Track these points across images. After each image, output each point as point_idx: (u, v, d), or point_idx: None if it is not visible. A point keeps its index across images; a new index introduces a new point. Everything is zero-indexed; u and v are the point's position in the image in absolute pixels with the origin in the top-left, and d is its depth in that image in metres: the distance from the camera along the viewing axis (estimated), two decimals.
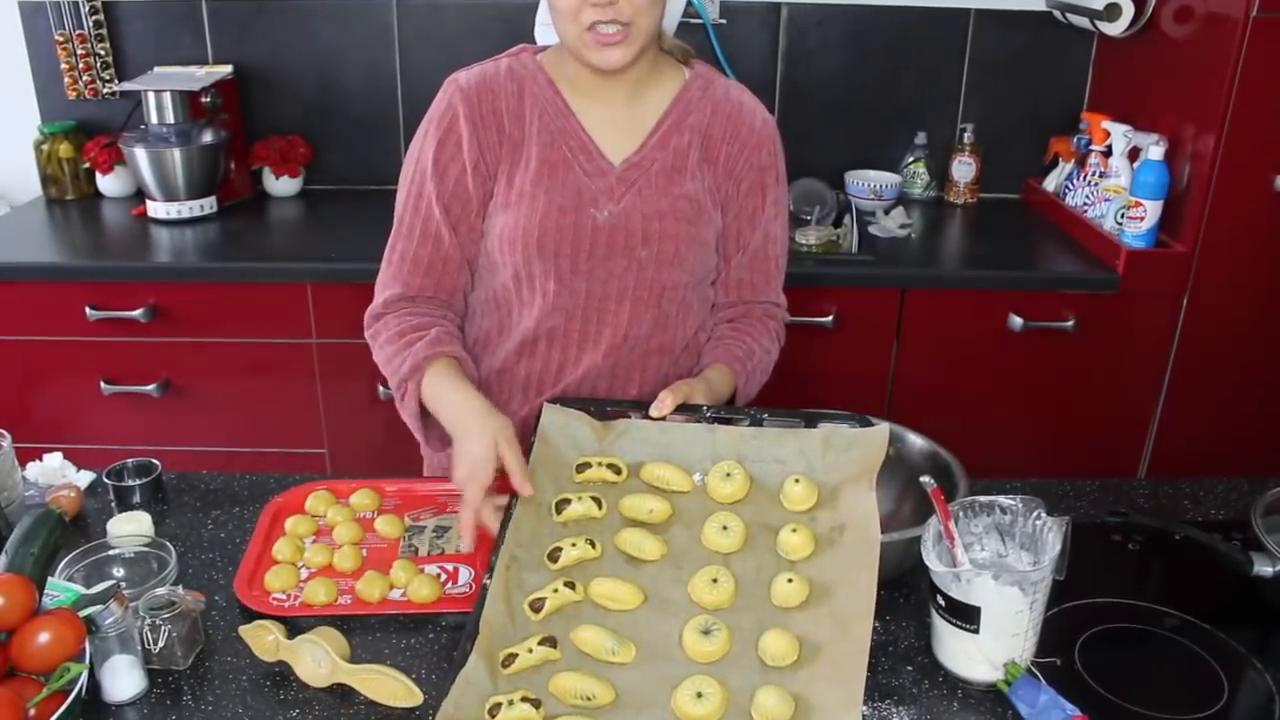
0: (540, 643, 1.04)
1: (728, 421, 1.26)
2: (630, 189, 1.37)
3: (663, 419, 1.26)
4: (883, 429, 1.20)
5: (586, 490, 1.21)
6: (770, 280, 1.49)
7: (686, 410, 1.27)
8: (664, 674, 1.03)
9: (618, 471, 1.22)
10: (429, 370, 1.31)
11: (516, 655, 1.02)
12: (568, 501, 1.18)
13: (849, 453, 1.20)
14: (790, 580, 1.09)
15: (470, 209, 1.37)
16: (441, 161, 1.36)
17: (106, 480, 1.33)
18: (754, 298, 1.48)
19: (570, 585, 1.10)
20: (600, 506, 1.19)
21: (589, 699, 1.00)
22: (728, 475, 1.20)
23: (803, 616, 1.07)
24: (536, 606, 1.08)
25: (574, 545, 1.14)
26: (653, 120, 1.39)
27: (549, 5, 1.29)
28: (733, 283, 1.47)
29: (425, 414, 1.34)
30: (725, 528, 1.15)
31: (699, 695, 0.99)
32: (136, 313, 2.21)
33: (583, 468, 1.22)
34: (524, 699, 0.97)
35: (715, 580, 1.10)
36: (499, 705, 0.97)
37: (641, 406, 1.28)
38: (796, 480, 1.19)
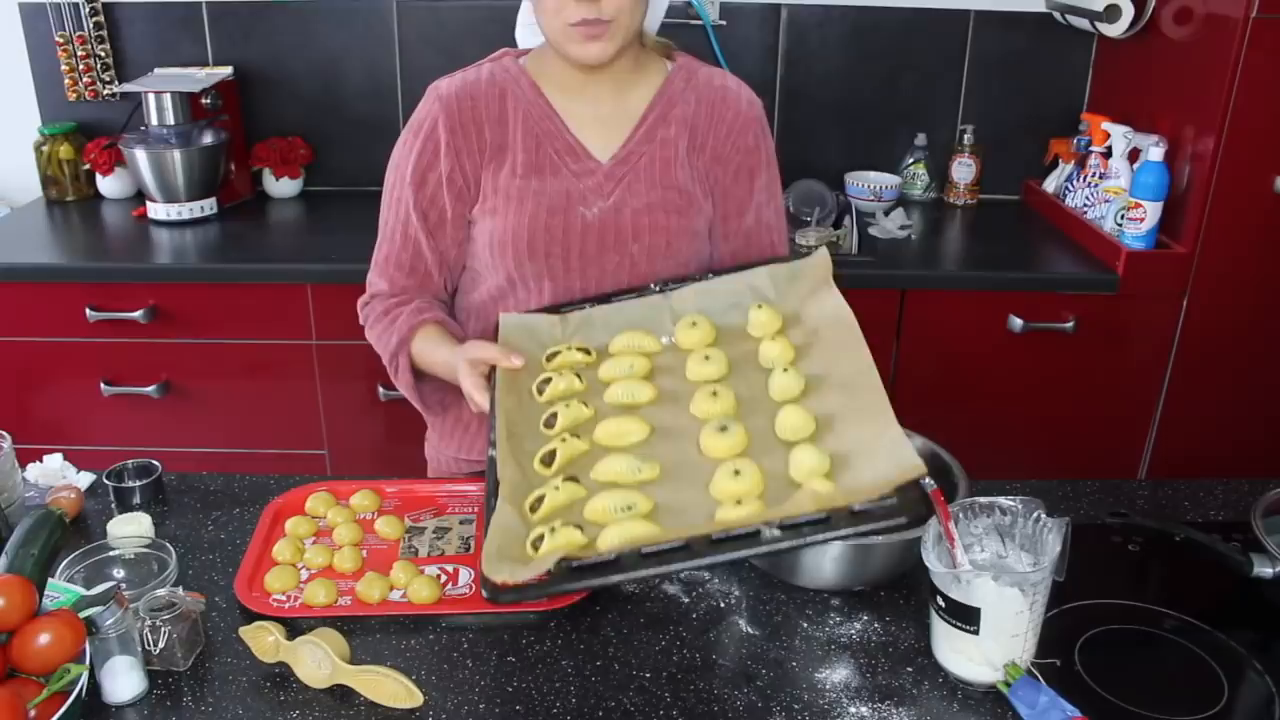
0: (565, 480, 1.05)
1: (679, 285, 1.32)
2: (619, 185, 1.38)
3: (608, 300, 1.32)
4: (822, 251, 1.28)
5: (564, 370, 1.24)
6: None
7: (636, 291, 1.33)
8: (694, 478, 1.05)
9: (587, 353, 1.26)
10: (415, 339, 1.37)
11: (544, 497, 1.04)
12: (548, 381, 1.21)
13: (797, 281, 1.27)
14: (785, 370, 1.14)
15: (446, 217, 1.39)
16: (420, 169, 1.38)
17: (106, 481, 1.33)
18: None
19: (576, 436, 1.12)
20: (581, 380, 1.22)
21: (629, 508, 1.01)
22: (693, 325, 1.26)
23: (808, 401, 1.11)
24: (548, 460, 1.10)
25: (569, 406, 1.16)
26: (638, 115, 1.40)
27: (533, 1, 1.29)
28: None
29: (420, 381, 1.41)
30: (707, 358, 1.20)
31: (736, 473, 1.01)
32: (136, 314, 2.21)
33: (552, 356, 1.26)
34: (564, 524, 0.98)
35: (715, 394, 1.14)
36: (541, 537, 0.98)
37: (592, 300, 1.34)
38: (759, 306, 1.25)
